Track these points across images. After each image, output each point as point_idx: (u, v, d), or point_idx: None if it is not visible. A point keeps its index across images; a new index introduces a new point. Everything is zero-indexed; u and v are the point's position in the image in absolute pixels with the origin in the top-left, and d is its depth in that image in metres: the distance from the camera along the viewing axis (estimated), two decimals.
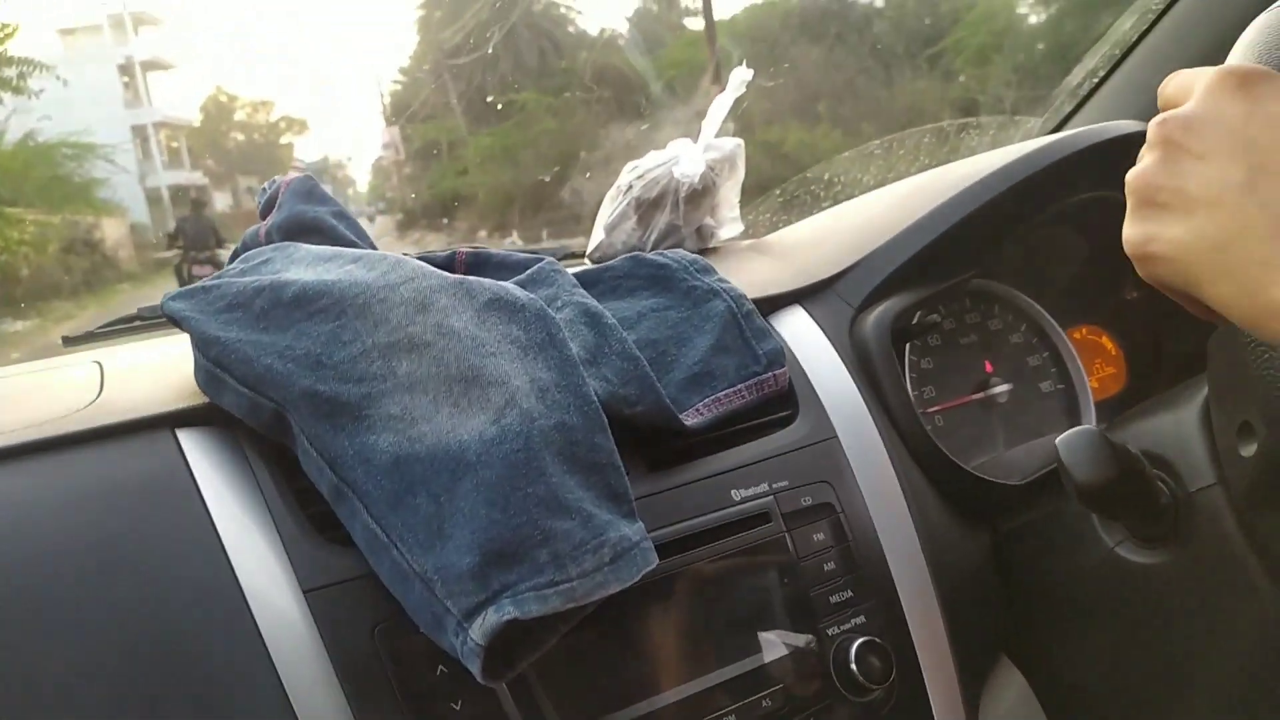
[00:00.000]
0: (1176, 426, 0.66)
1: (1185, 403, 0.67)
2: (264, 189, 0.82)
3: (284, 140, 59.64)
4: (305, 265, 0.66)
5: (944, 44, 12.54)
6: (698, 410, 0.70)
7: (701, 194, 0.99)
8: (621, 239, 1.02)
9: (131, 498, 0.56)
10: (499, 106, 21.26)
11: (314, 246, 0.69)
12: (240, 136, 54.41)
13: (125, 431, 0.60)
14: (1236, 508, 0.61)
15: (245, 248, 0.76)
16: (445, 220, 25.19)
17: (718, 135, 1.01)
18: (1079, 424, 0.95)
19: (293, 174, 0.80)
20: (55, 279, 16.36)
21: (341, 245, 0.73)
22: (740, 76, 0.99)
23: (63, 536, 0.54)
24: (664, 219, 1.00)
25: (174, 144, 43.77)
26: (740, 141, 1.01)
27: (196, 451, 0.60)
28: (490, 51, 24.53)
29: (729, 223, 1.05)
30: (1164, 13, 1.07)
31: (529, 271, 0.77)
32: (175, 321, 0.62)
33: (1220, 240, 0.42)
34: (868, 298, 0.83)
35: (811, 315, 0.82)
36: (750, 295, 0.78)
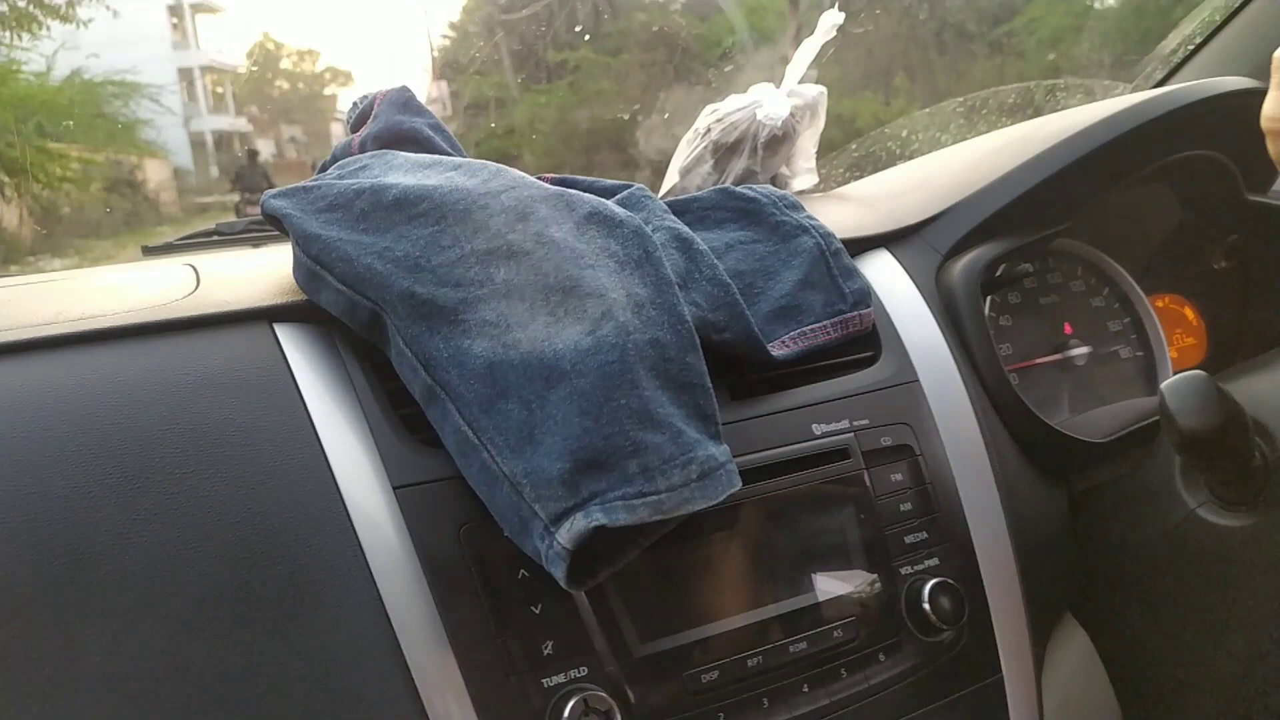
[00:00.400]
0: (1273, 388, 0.66)
1: None
2: (355, 104, 0.83)
3: (328, 91, 59.86)
4: (404, 171, 0.66)
5: (1014, 23, 12.33)
6: (784, 343, 0.71)
7: (781, 140, 0.99)
8: (696, 183, 1.02)
9: (231, 386, 0.58)
10: (552, 64, 21.10)
11: (412, 154, 0.70)
12: (285, 85, 54.64)
13: (224, 322, 0.62)
14: None
15: (335, 159, 0.77)
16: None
17: (801, 82, 1.01)
18: (1156, 392, 0.95)
19: (389, 88, 0.81)
20: (96, 218, 16.69)
21: (439, 154, 0.74)
22: (830, 20, 0.98)
23: (165, 419, 0.56)
24: (741, 164, 1.01)
25: (219, 89, 44.09)
26: (823, 89, 1.01)
27: (293, 346, 0.61)
28: (544, 8, 24.46)
29: (804, 173, 1.05)
30: None
31: (619, 196, 0.78)
32: (275, 219, 0.64)
33: None
34: (956, 245, 0.83)
35: (898, 260, 0.82)
36: (837, 233, 0.79)
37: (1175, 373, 0.93)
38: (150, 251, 0.96)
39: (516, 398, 0.55)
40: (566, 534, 0.52)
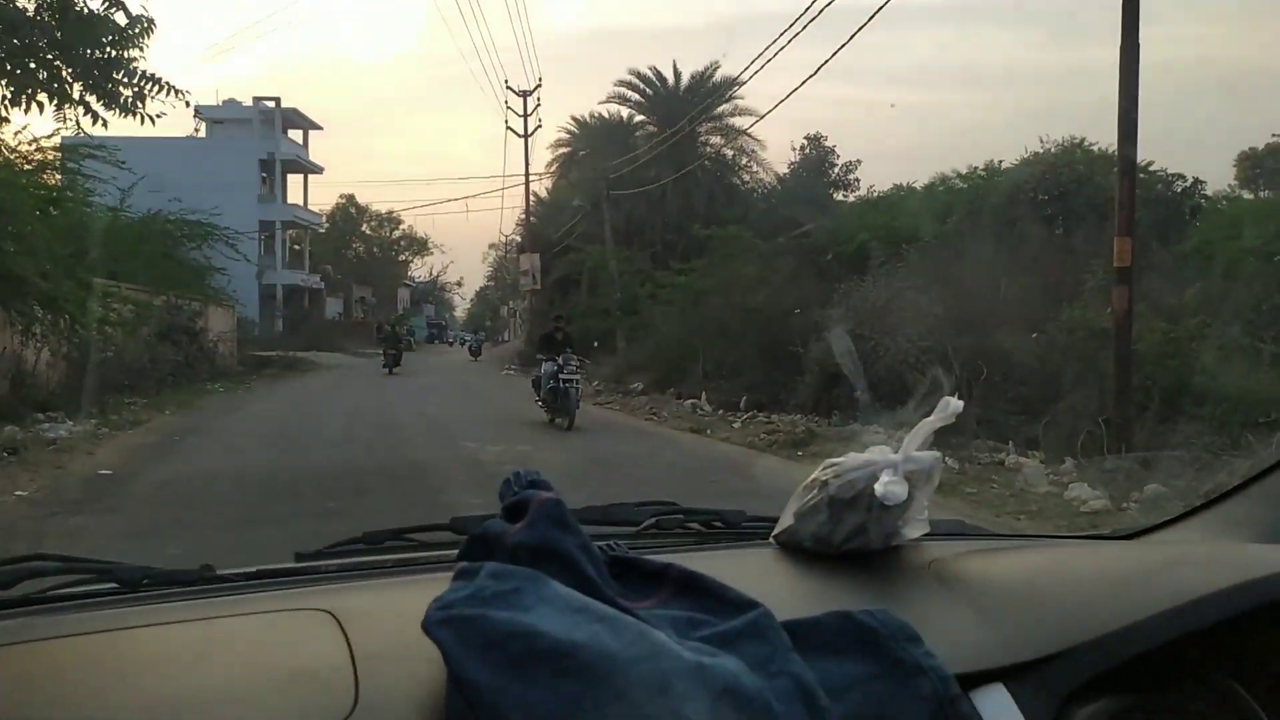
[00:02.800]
0: None
1: None
2: (509, 481, 0.99)
3: (401, 258, 60.37)
4: (555, 610, 0.77)
5: None
6: None
7: (898, 504, 1.11)
8: (810, 530, 1.16)
9: None
10: (702, 239, 19.43)
11: (562, 589, 0.81)
12: (360, 248, 54.99)
13: None
14: None
15: (486, 539, 0.93)
16: (577, 360, 23.43)
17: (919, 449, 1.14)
18: None
19: (545, 495, 0.93)
20: (139, 368, 14.65)
21: (582, 579, 0.86)
22: (951, 407, 1.13)
23: None
24: (856, 518, 1.13)
25: (296, 246, 44.14)
26: (939, 455, 1.14)
27: None
28: (658, 188, 23.26)
29: (915, 523, 1.17)
30: None
31: (745, 620, 0.86)
32: (439, 647, 0.74)
33: None
34: (1076, 691, 0.84)
35: (1015, 698, 0.84)
36: (951, 662, 0.83)
37: None
38: (302, 558, 1.16)
39: None
40: None
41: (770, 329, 13.98)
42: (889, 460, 1.10)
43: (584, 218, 25.96)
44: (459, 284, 71.11)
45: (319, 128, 44.77)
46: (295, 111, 42.04)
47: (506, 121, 31.13)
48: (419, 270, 63.40)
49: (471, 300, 74.08)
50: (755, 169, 27.18)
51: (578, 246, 26.64)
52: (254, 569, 1.08)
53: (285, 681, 0.76)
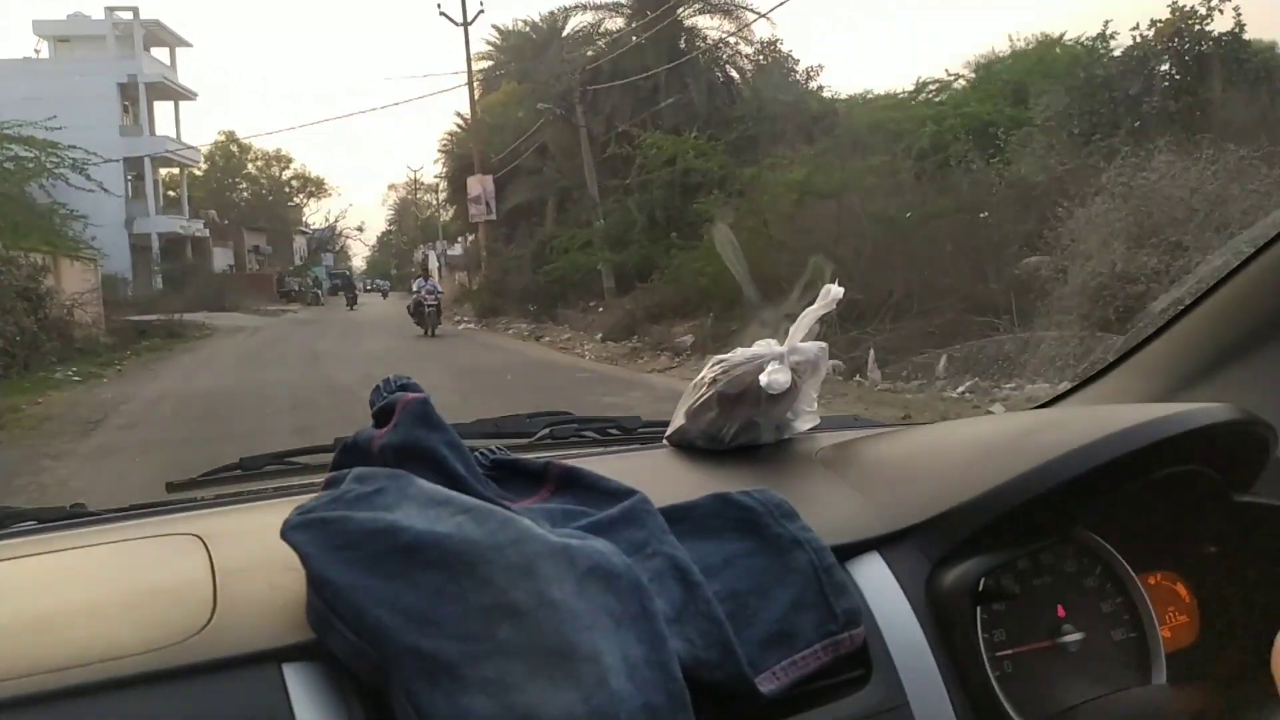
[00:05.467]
0: None
1: None
2: (379, 388, 0.98)
3: (294, 202, 53.35)
4: (418, 506, 0.79)
5: None
6: (774, 674, 0.81)
7: (784, 394, 1.15)
8: (701, 427, 1.20)
9: None
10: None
11: (427, 485, 0.83)
12: (247, 191, 47.92)
13: (236, 665, 0.70)
14: None
15: (357, 446, 0.93)
16: (530, 307, 18.37)
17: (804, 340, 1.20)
18: (1149, 677, 1.01)
19: (411, 395, 0.93)
20: None
21: (450, 476, 0.89)
22: (832, 293, 1.15)
23: None
24: (745, 413, 1.17)
25: (171, 192, 37.37)
26: (824, 345, 1.18)
27: (299, 687, 0.70)
28: (648, 80, 18.17)
29: (805, 416, 1.22)
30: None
31: (621, 507, 0.89)
32: (296, 551, 0.75)
33: None
34: (948, 554, 0.92)
35: (889, 565, 0.92)
36: (829, 535, 0.90)
37: (1167, 654, 0.99)
38: (174, 488, 1.17)
39: None
40: None
41: (935, 245, 9.47)
42: (774, 352, 1.14)
43: (547, 123, 20.62)
44: (359, 229, 64.79)
45: (188, 44, 38.32)
46: (158, 24, 36.23)
47: (439, 5, 24.69)
48: (314, 215, 57.23)
49: (373, 247, 67.62)
50: (757, 58, 21.83)
51: (534, 168, 21.43)
52: (126, 505, 1.10)
53: (141, 598, 0.80)
